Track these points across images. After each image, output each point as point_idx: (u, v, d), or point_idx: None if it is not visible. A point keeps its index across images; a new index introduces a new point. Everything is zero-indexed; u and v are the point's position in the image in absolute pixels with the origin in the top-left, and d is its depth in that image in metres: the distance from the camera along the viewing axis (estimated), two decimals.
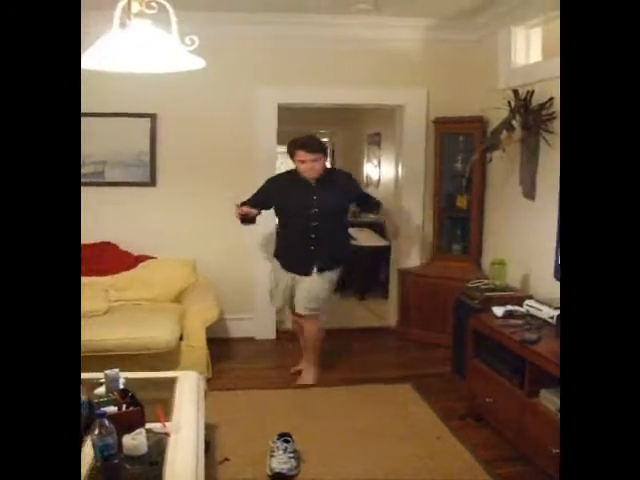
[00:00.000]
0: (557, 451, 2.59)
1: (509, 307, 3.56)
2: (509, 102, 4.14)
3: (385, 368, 4.57)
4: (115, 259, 4.78)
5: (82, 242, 4.41)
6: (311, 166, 3.94)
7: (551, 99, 3.88)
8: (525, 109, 4.04)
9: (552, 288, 3.52)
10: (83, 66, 2.03)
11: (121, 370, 2.76)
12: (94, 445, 2.13)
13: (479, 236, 5.05)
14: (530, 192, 4.18)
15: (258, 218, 4.09)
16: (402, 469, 3.08)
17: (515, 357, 3.18)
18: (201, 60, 2.25)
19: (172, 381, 2.98)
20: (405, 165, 5.30)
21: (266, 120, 5.02)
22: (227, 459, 3.08)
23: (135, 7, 2.11)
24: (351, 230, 4.53)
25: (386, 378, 4.32)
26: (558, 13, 3.89)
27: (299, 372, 4.29)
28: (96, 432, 2.12)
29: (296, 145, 3.96)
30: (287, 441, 3.07)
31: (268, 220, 4.51)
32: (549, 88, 3.88)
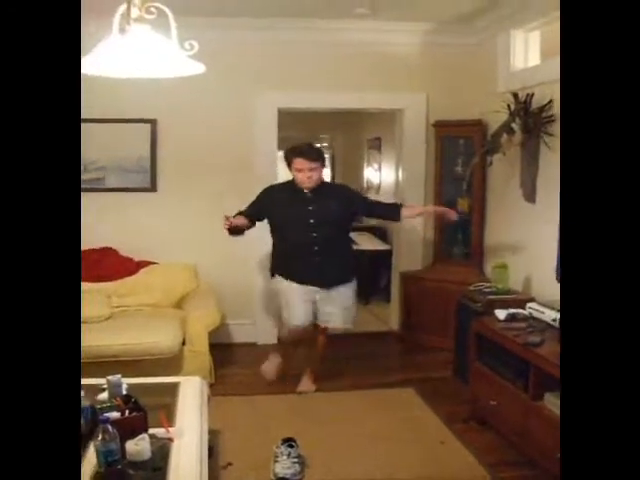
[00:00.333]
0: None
1: (511, 310, 3.55)
2: (509, 105, 4.14)
3: (388, 372, 4.57)
4: (116, 265, 4.78)
5: (83, 248, 4.45)
6: (309, 175, 3.80)
7: (550, 102, 3.89)
8: (525, 112, 4.05)
9: (554, 291, 3.51)
10: (83, 72, 2.03)
11: (124, 376, 2.76)
12: (97, 451, 2.13)
13: (480, 239, 5.05)
14: (531, 195, 4.18)
15: (259, 224, 4.00)
16: (406, 473, 3.07)
17: (518, 360, 3.17)
18: (201, 65, 2.25)
19: (175, 386, 2.98)
20: (405, 169, 5.31)
21: (266, 125, 5.03)
22: (230, 464, 3.07)
23: (134, 12, 2.11)
24: (351, 234, 4.37)
25: (389, 382, 4.31)
26: (557, 16, 3.90)
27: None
28: (99, 438, 2.12)
29: (294, 152, 3.85)
30: (291, 446, 3.06)
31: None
32: (548, 91, 3.88)
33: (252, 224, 3.93)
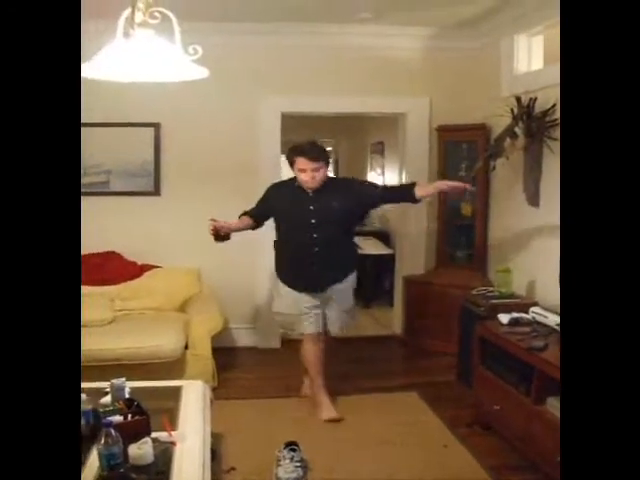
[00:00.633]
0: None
1: (515, 314, 3.55)
2: (512, 109, 4.14)
3: (391, 376, 4.56)
4: (120, 268, 4.79)
5: (87, 252, 4.47)
6: (312, 176, 3.63)
7: (554, 106, 3.88)
8: (528, 116, 4.05)
9: (558, 295, 3.49)
10: (87, 76, 2.04)
11: (127, 379, 2.76)
12: (100, 454, 2.13)
13: (484, 243, 5.04)
14: (534, 199, 4.18)
15: (266, 225, 3.91)
16: (409, 477, 3.07)
17: (522, 364, 3.16)
18: (204, 70, 2.26)
19: (178, 390, 2.98)
20: (409, 173, 5.30)
21: (270, 129, 5.04)
22: (233, 468, 3.07)
23: (139, 17, 2.11)
24: (356, 239, 4.25)
25: (392, 386, 4.30)
26: (559, 21, 3.91)
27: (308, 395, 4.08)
28: (102, 441, 2.12)
29: (296, 151, 3.67)
30: (294, 450, 3.06)
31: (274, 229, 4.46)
32: (552, 95, 3.88)
33: (257, 225, 3.85)
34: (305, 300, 3.78)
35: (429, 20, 4.74)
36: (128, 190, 4.96)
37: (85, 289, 4.00)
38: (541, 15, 4.12)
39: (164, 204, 5.02)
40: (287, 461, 3.01)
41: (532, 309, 3.60)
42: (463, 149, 5.07)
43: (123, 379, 2.72)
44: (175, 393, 2.93)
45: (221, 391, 4.04)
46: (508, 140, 4.18)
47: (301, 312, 3.80)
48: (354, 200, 3.78)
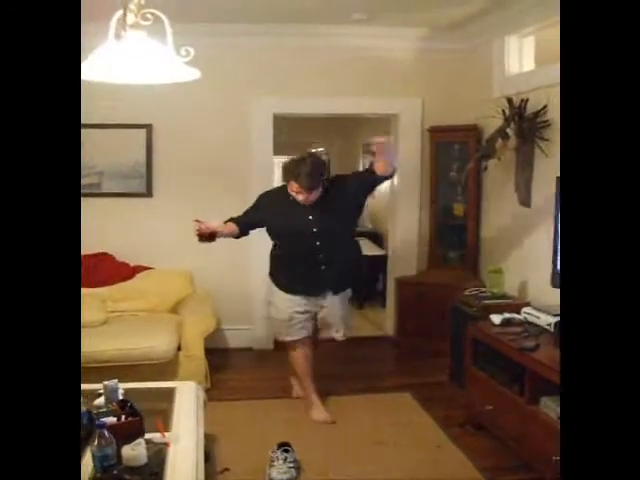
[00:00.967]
0: (557, 458, 2.59)
1: (507, 315, 3.56)
2: (503, 111, 4.16)
3: (384, 377, 4.57)
4: (112, 270, 4.78)
5: None
6: (306, 196, 3.51)
7: (545, 107, 3.90)
8: (519, 117, 4.07)
9: (549, 295, 3.52)
10: None
11: (120, 381, 2.75)
12: (93, 456, 2.13)
13: (476, 244, 5.06)
14: (526, 199, 4.20)
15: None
16: (402, 477, 3.07)
17: (514, 365, 3.18)
18: (196, 71, 2.26)
19: (171, 391, 2.98)
20: (401, 174, 5.30)
21: (262, 130, 5.04)
22: (227, 469, 3.07)
23: (130, 18, 2.12)
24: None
25: (385, 387, 4.32)
26: (550, 22, 3.94)
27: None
28: (95, 443, 2.12)
29: (292, 174, 3.48)
30: (287, 451, 3.06)
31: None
32: (543, 96, 3.90)
33: (242, 234, 3.73)
34: (297, 304, 3.76)
35: (421, 21, 4.75)
36: (120, 191, 4.95)
37: None
38: (532, 16, 4.14)
39: (156, 205, 5.01)
40: (280, 462, 3.01)
41: (524, 309, 3.61)
42: (455, 150, 5.08)
43: (115, 381, 2.72)
44: (168, 394, 2.93)
45: (214, 392, 4.04)
46: (500, 141, 4.20)
47: (292, 316, 3.77)
48: (350, 194, 3.68)
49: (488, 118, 4.37)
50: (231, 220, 3.72)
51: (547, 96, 3.83)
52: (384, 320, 5.73)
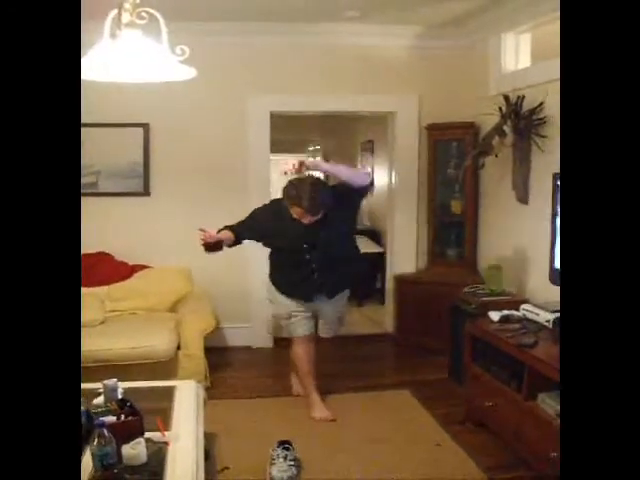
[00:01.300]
0: (555, 454, 2.60)
1: (505, 312, 3.56)
2: (500, 108, 4.17)
3: (383, 374, 4.58)
4: (110, 269, 4.78)
5: None
6: (308, 219, 3.47)
7: (541, 104, 3.91)
8: (516, 114, 4.08)
9: (548, 292, 3.53)
10: None
11: (119, 380, 2.76)
12: (93, 455, 2.12)
13: (474, 241, 5.07)
14: (523, 196, 4.21)
15: None
16: (402, 475, 3.07)
17: (513, 361, 3.18)
18: (192, 70, 2.26)
19: (171, 390, 2.97)
20: (398, 172, 5.32)
21: (258, 128, 5.04)
22: (227, 468, 3.07)
23: (126, 17, 2.11)
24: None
25: (384, 384, 4.32)
26: (547, 19, 3.94)
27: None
28: (95, 442, 2.12)
29: (294, 200, 3.42)
30: (287, 449, 3.07)
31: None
32: (539, 93, 3.91)
33: (237, 242, 3.69)
34: (296, 305, 3.80)
35: (417, 19, 4.75)
36: (118, 191, 4.95)
37: None
38: (528, 13, 4.14)
39: (154, 204, 5.01)
40: (281, 460, 3.01)
41: (522, 306, 3.61)
42: (452, 147, 5.09)
43: (115, 380, 2.72)
44: (168, 393, 2.93)
45: (214, 391, 4.04)
46: (496, 138, 4.20)
47: (292, 315, 3.82)
48: (343, 205, 3.60)
49: (485, 115, 4.38)
50: (226, 228, 3.67)
51: (543, 93, 3.84)
52: (383, 317, 5.74)
